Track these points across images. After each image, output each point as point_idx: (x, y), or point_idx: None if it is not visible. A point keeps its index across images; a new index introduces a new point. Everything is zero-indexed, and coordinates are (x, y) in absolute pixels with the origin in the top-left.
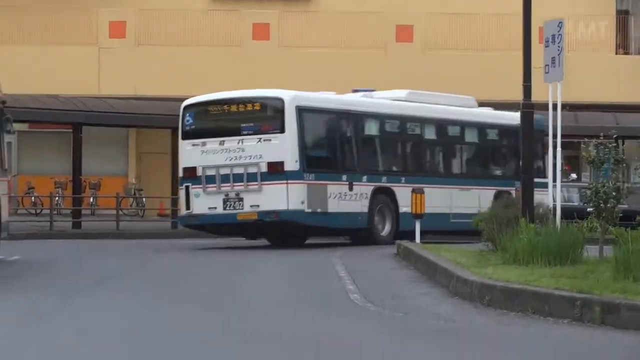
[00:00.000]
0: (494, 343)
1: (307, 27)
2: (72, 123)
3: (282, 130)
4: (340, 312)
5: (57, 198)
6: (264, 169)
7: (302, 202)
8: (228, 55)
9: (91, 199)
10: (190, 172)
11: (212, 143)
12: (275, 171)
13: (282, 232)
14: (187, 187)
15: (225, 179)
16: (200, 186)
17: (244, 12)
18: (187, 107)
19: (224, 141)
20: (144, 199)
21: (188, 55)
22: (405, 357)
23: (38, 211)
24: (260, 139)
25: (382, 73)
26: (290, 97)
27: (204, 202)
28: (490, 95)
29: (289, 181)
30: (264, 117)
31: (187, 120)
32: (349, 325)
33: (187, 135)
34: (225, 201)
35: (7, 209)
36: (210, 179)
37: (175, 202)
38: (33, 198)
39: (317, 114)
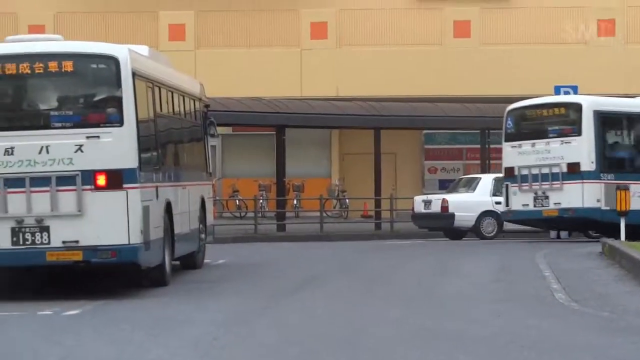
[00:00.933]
0: None
1: (508, 24)
2: (275, 125)
3: (580, 133)
4: (545, 311)
5: (261, 201)
6: (564, 169)
7: (598, 201)
8: (428, 54)
9: (295, 201)
10: (510, 172)
11: (526, 145)
12: (573, 171)
13: (579, 228)
14: (506, 186)
15: (535, 178)
16: (517, 185)
17: (446, 10)
18: (509, 112)
19: (534, 143)
20: (347, 200)
21: (389, 54)
22: (613, 356)
23: (242, 214)
24: (562, 141)
25: (583, 68)
26: (588, 102)
27: (519, 199)
28: None
29: (585, 181)
30: (566, 120)
31: (508, 124)
32: (555, 324)
33: (508, 138)
34: (535, 198)
35: (212, 212)
36: (524, 178)
37: (378, 203)
38: (237, 201)
39: (618, 117)
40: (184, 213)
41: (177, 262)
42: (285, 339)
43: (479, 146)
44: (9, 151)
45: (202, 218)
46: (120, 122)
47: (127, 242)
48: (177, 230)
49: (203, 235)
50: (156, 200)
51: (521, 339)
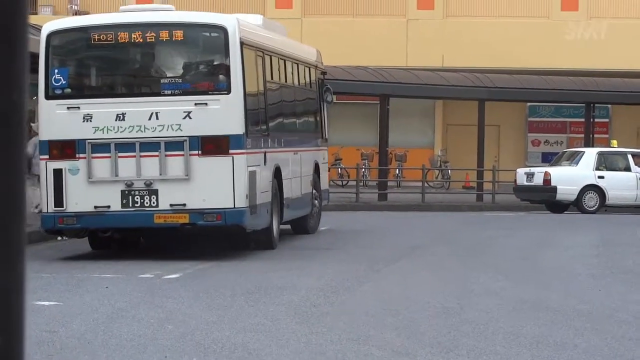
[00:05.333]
0: None
1: None
2: (379, 95)
3: None
4: None
5: (363, 170)
6: None
7: None
8: (535, 26)
9: (397, 171)
10: None
11: None
12: None
13: None
14: None
15: None
16: None
17: None
18: None
19: None
20: (449, 171)
21: (495, 26)
22: None
23: (344, 182)
24: None
25: None
26: None
27: None
28: None
29: None
30: None
31: None
32: None
33: None
34: None
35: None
36: None
37: (481, 174)
38: (340, 170)
39: None
40: (295, 178)
41: (289, 227)
42: (384, 308)
43: (583, 120)
44: (121, 117)
45: (316, 183)
46: (227, 89)
47: (232, 206)
48: (286, 195)
49: (316, 201)
50: (264, 165)
51: (621, 314)
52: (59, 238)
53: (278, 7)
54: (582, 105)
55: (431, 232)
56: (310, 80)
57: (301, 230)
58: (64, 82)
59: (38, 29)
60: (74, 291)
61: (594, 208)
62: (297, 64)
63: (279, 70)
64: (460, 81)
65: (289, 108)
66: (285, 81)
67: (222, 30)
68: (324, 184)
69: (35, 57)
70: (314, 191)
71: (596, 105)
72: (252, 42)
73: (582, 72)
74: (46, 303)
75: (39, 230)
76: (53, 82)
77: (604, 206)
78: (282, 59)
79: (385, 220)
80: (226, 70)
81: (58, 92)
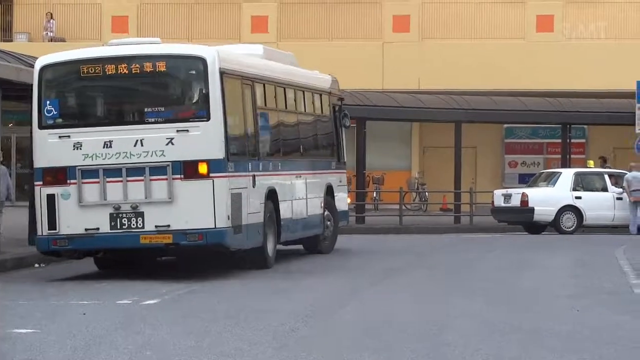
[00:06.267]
0: None
1: (592, 18)
2: (356, 118)
3: None
4: (624, 307)
5: None
6: None
7: None
8: (510, 48)
9: (374, 194)
10: None
11: None
12: None
13: None
14: None
15: None
16: None
17: (528, 4)
18: None
19: None
20: (426, 193)
21: (471, 48)
22: None
23: None
24: None
25: None
26: None
27: None
28: None
29: None
30: None
31: None
32: (634, 320)
33: None
34: None
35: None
36: None
37: (458, 196)
38: None
39: None
40: (298, 200)
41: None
42: (363, 331)
43: (559, 140)
44: (108, 144)
45: (329, 205)
46: (207, 117)
47: (213, 226)
48: (284, 216)
49: (329, 222)
50: (252, 188)
51: (599, 335)
52: (36, 265)
53: (254, 31)
54: (558, 126)
55: (409, 255)
56: (321, 106)
57: (314, 251)
58: (55, 113)
59: (12, 55)
60: (52, 318)
61: (572, 229)
62: (303, 91)
63: (275, 97)
64: (436, 103)
65: (290, 133)
66: (285, 108)
67: (202, 60)
68: (342, 205)
69: (5, 83)
70: (327, 212)
71: (572, 126)
72: (235, 71)
73: (558, 93)
74: (23, 330)
75: (14, 258)
76: (45, 113)
77: (582, 227)
78: (280, 87)
79: (363, 243)
80: (205, 98)
81: (50, 122)
